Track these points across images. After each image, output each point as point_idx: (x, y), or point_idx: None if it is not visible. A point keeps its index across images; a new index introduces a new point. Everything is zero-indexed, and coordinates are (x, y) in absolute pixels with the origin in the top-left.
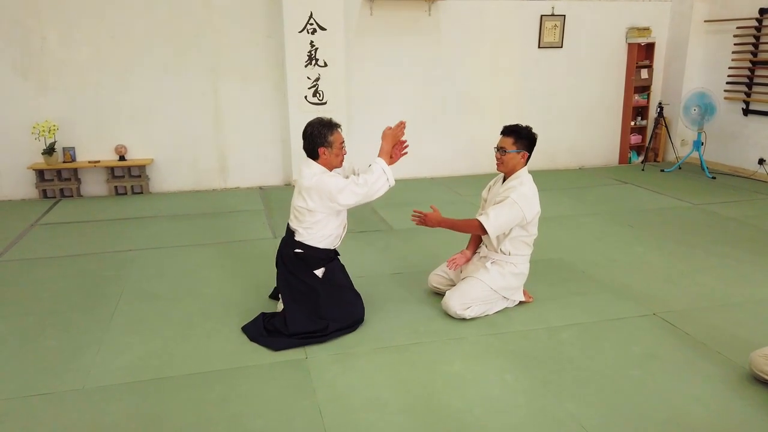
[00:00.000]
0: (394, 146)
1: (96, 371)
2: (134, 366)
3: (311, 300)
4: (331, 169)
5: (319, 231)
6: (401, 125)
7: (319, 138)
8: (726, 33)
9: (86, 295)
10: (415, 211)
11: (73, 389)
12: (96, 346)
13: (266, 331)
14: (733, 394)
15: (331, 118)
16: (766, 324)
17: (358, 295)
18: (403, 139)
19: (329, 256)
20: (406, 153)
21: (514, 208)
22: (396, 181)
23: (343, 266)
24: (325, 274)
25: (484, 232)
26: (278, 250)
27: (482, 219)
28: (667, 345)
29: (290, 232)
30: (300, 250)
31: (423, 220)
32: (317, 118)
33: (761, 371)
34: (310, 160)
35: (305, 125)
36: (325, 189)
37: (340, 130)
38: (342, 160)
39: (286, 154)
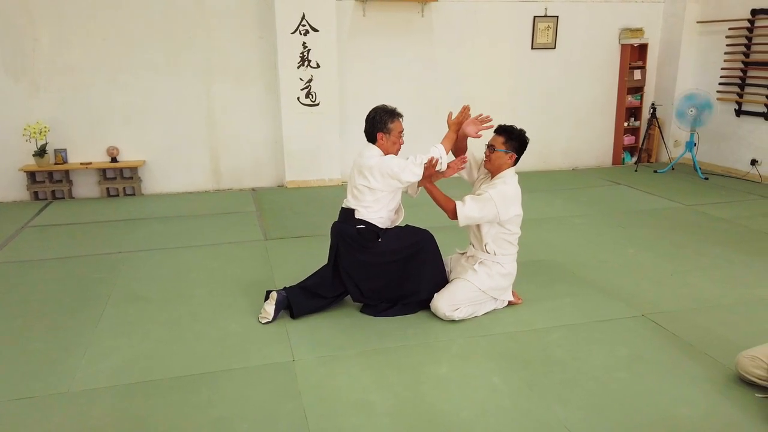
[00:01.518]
0: (469, 127)
1: (82, 374)
2: (120, 369)
3: (389, 270)
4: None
5: (377, 211)
6: (464, 109)
7: (380, 123)
8: (718, 34)
9: (75, 298)
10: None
11: (57, 393)
12: (83, 349)
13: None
14: (720, 396)
15: (395, 107)
16: (754, 325)
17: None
18: (480, 117)
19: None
20: (481, 134)
21: (489, 204)
22: None
23: (399, 230)
24: (383, 238)
25: (454, 217)
26: (335, 236)
27: (458, 204)
28: (655, 346)
29: (348, 212)
30: (362, 226)
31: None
32: (382, 104)
33: (747, 373)
34: (370, 144)
35: (370, 109)
36: (387, 168)
37: (401, 120)
38: (399, 149)
39: (278, 156)
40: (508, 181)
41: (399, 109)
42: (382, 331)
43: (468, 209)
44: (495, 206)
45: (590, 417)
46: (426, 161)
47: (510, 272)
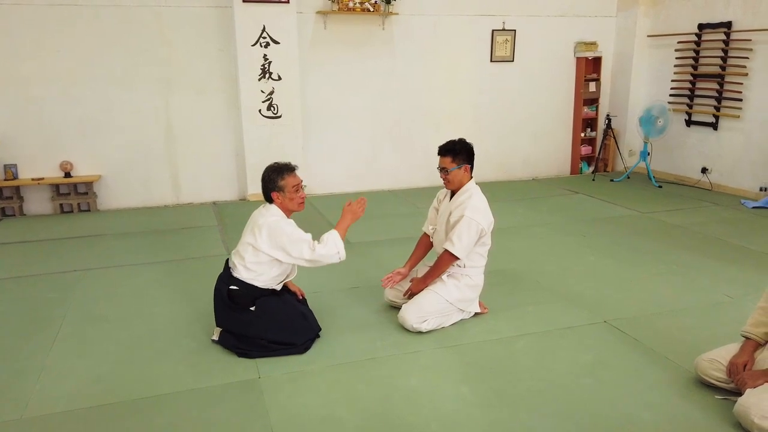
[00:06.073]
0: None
1: (36, 399)
2: (77, 393)
3: (251, 330)
4: (289, 214)
5: (259, 275)
6: (362, 202)
7: (271, 183)
8: (668, 47)
9: (28, 319)
10: (409, 290)
11: (10, 420)
12: (36, 373)
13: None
14: (681, 399)
15: (288, 162)
16: (711, 328)
17: (300, 317)
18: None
19: (264, 294)
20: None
21: (472, 224)
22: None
23: (277, 292)
24: (257, 306)
25: (456, 258)
26: (216, 284)
27: (448, 247)
28: (618, 352)
29: (228, 267)
30: (235, 287)
31: (409, 292)
32: (273, 162)
33: (707, 375)
34: (269, 204)
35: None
36: (279, 234)
37: (294, 173)
38: (300, 203)
39: (240, 169)
40: (473, 194)
41: (292, 162)
42: (350, 345)
43: (459, 242)
44: (477, 223)
45: (557, 424)
46: (323, 254)
47: (478, 284)
